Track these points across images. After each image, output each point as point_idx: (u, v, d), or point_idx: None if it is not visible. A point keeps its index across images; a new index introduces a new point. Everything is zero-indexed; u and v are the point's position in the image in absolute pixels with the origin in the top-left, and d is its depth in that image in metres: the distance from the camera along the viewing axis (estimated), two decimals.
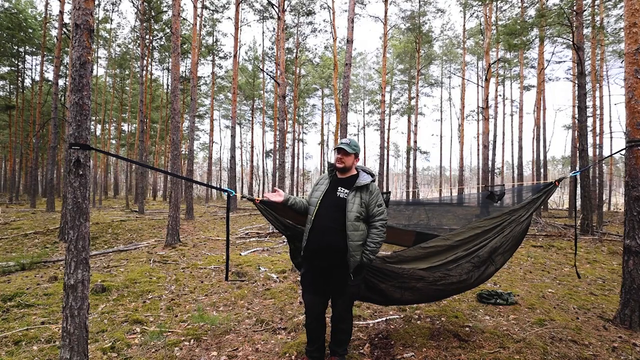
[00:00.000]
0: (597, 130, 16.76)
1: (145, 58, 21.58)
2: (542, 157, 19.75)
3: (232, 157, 17.42)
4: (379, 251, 2.62)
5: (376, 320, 3.62)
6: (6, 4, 20.77)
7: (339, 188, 2.60)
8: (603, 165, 18.80)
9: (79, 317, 2.15)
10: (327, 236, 2.51)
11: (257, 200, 2.79)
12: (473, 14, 19.90)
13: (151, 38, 22.74)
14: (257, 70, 29.31)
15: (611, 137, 18.08)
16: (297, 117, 31.57)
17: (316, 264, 2.60)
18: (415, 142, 24.37)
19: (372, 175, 2.68)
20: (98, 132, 30.81)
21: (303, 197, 2.87)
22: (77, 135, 2.16)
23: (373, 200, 2.54)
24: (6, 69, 25.25)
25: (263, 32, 25.18)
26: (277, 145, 20.75)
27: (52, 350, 3.00)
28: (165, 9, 21.04)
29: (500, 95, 24.28)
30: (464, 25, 22.99)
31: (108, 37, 25.20)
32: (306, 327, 2.73)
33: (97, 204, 21.25)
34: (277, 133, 21.49)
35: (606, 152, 17.87)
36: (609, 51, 18.30)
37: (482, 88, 16.81)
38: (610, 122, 18.81)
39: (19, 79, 25.11)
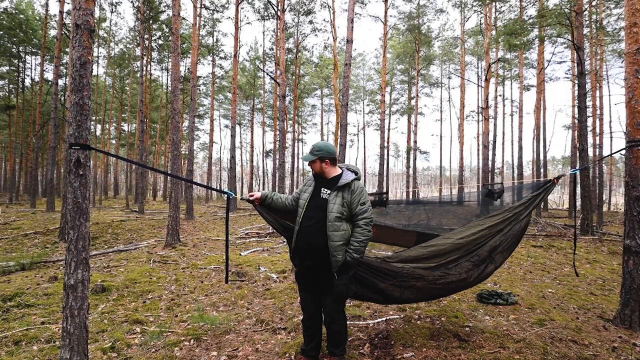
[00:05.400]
0: (597, 130, 16.76)
1: (145, 58, 21.57)
2: (542, 157, 19.74)
3: (232, 157, 17.42)
4: (365, 250, 2.61)
5: (376, 320, 3.62)
6: (4, 4, 20.79)
7: (322, 189, 2.63)
8: (603, 165, 18.80)
9: (79, 317, 2.15)
10: (310, 237, 2.55)
11: (257, 202, 2.84)
12: (471, 16, 19.92)
13: (150, 38, 22.74)
14: (257, 70, 29.30)
15: (611, 137, 18.08)
16: (297, 117, 31.56)
17: (303, 264, 2.65)
18: (415, 142, 24.38)
19: (356, 173, 2.68)
20: (98, 132, 30.81)
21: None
22: (77, 135, 2.16)
23: (355, 199, 2.53)
24: (6, 68, 25.25)
25: (264, 32, 25.16)
26: (277, 145, 20.74)
27: (52, 350, 3.00)
28: (164, 8, 21.04)
29: (500, 96, 24.29)
30: (463, 25, 22.99)
31: (106, 36, 25.20)
32: (302, 325, 2.77)
33: (97, 204, 21.25)
34: (277, 133, 21.48)
35: (606, 152, 17.88)
36: (609, 51, 18.29)
37: (482, 88, 16.82)
38: (610, 122, 18.81)
39: (19, 79, 25.11)
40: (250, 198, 2.79)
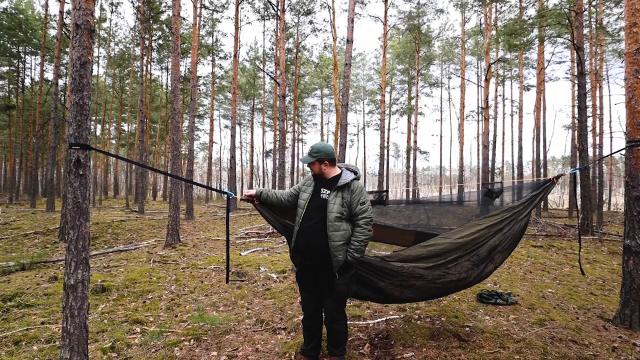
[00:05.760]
0: (597, 130, 16.76)
1: (145, 58, 21.57)
2: (542, 157, 19.75)
3: (232, 157, 17.42)
4: (365, 249, 2.62)
5: (376, 320, 3.62)
6: (4, 4, 20.80)
7: (322, 189, 2.63)
8: (603, 165, 18.81)
9: (79, 317, 2.15)
10: (310, 237, 2.55)
11: (257, 202, 2.85)
12: (471, 16, 19.94)
13: (150, 38, 22.74)
14: (257, 70, 29.30)
15: (611, 137, 18.08)
16: (297, 117, 31.57)
17: (303, 263, 2.65)
18: (415, 142, 24.39)
19: (356, 172, 2.68)
20: (98, 132, 30.82)
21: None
22: (77, 135, 2.16)
23: (355, 199, 2.54)
24: (6, 68, 25.25)
25: (264, 32, 25.16)
26: (277, 145, 20.74)
27: (52, 350, 3.00)
28: (164, 8, 21.04)
29: (500, 96, 24.28)
30: (463, 25, 23.00)
31: (106, 36, 25.21)
32: (302, 324, 2.78)
33: (97, 204, 21.25)
34: (277, 133, 21.48)
35: (606, 152, 17.88)
36: (609, 51, 18.30)
37: (482, 88, 16.82)
38: (610, 122, 18.81)
39: (19, 79, 25.11)
40: (245, 195, 2.81)
